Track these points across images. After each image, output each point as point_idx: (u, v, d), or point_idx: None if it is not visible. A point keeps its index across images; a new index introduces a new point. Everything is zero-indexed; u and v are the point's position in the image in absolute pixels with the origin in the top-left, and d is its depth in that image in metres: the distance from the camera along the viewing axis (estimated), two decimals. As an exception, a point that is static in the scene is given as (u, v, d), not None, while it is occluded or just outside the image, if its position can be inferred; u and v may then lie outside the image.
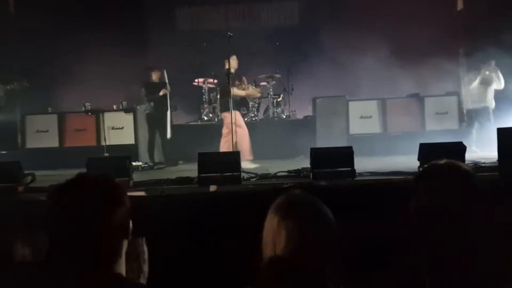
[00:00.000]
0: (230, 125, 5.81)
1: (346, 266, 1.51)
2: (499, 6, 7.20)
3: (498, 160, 3.76)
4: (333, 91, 7.88)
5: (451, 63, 8.91)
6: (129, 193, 1.40)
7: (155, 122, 6.97)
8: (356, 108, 7.74)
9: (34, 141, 7.54)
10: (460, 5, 9.04)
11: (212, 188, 3.72)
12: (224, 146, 6.11)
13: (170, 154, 7.16)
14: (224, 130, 6.22)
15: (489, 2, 7.49)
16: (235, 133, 5.78)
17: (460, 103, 7.53)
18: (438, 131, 7.29)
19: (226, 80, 6.00)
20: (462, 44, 8.90)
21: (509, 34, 6.56)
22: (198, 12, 10.02)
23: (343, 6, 9.05)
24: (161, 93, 6.94)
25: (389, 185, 3.55)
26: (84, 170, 4.14)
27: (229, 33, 6.35)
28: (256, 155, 6.94)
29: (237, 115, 6.13)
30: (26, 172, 4.14)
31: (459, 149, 3.90)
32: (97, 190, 1.26)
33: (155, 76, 7.14)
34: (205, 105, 8.16)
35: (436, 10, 8.57)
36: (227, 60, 6.22)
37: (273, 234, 1.25)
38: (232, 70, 6.39)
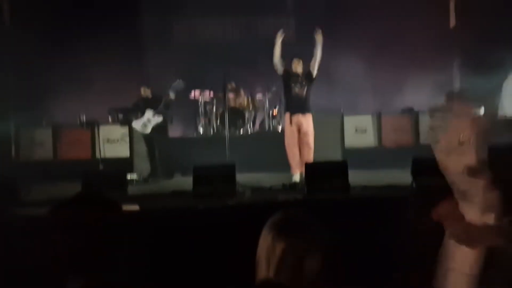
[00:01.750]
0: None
1: (341, 282, 1.52)
2: (491, 23, 7.32)
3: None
4: (329, 105, 7.93)
5: (445, 78, 9.03)
6: (124, 207, 1.42)
7: (155, 136, 6.88)
8: (351, 122, 7.79)
9: (28, 154, 7.50)
10: (452, 22, 9.19)
11: (207, 201, 3.72)
12: None
13: (166, 167, 7.17)
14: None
15: (481, 19, 7.61)
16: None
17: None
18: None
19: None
20: (455, 59, 9.03)
21: (501, 50, 6.66)
22: (196, 25, 10.10)
23: (339, 22, 9.16)
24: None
25: (383, 200, 3.57)
26: (79, 183, 4.15)
27: (225, 46, 6.43)
28: (252, 168, 6.95)
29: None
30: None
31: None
32: (96, 208, 1.28)
33: (146, 92, 7.02)
34: (201, 118, 8.19)
35: (429, 26, 8.71)
36: None
37: (267, 253, 1.25)
38: None
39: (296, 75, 6.02)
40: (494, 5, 7.25)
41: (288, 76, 6.04)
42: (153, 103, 6.88)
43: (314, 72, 6.03)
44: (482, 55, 7.18)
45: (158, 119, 6.79)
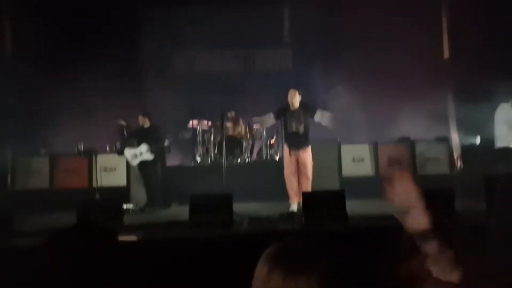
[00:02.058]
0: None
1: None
2: (484, 54, 7.48)
3: (486, 207, 3.80)
4: (326, 134, 7.98)
5: (439, 108, 9.15)
6: (120, 238, 1.41)
7: (150, 167, 6.84)
8: (348, 151, 7.83)
9: (24, 183, 7.46)
10: (446, 54, 9.39)
11: (203, 232, 3.69)
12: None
13: (163, 196, 7.13)
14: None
15: (474, 51, 7.78)
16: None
17: (450, 148, 7.65)
18: (430, 175, 7.37)
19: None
20: (450, 91, 9.17)
21: (495, 81, 6.78)
22: (194, 56, 10.29)
23: (336, 54, 9.36)
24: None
25: (381, 230, 3.55)
26: (75, 212, 4.12)
27: (223, 78, 6.51)
28: (249, 197, 6.92)
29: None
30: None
31: (449, 195, 3.95)
32: (92, 238, 1.28)
33: (144, 121, 6.97)
34: (199, 147, 8.21)
35: (424, 58, 8.89)
36: None
37: (261, 285, 1.24)
38: None
39: (293, 110, 5.88)
40: (486, 37, 7.43)
41: (284, 113, 5.93)
42: (150, 133, 6.87)
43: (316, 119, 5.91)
44: (475, 85, 7.30)
45: (149, 156, 6.72)
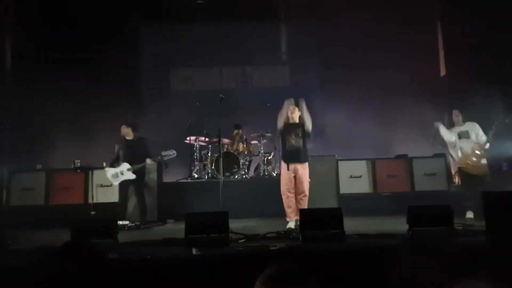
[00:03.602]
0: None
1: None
2: (480, 71, 7.55)
3: (485, 224, 3.76)
4: (323, 151, 7.98)
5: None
6: (114, 256, 1.39)
7: (132, 185, 6.68)
8: (345, 167, 7.80)
9: (19, 199, 7.39)
10: (443, 71, 9.47)
11: (199, 250, 3.63)
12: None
13: (159, 212, 7.07)
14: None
15: (469, 68, 7.86)
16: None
17: (447, 165, 7.64)
18: (428, 192, 7.34)
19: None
20: (446, 108, 9.21)
21: (490, 96, 6.82)
22: (192, 73, 10.35)
23: (333, 73, 9.43)
24: (148, 163, 6.62)
25: (378, 249, 3.50)
26: (69, 230, 4.06)
27: (221, 95, 6.53)
28: (246, 214, 6.87)
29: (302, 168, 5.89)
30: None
31: (447, 212, 3.91)
32: (82, 257, 1.26)
33: (127, 132, 6.77)
34: (196, 163, 8.18)
35: (421, 76, 8.97)
36: None
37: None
38: None
39: (292, 125, 5.93)
40: (482, 53, 7.50)
41: (285, 127, 5.96)
42: (132, 145, 6.68)
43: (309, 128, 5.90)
44: (471, 101, 7.34)
45: (131, 176, 6.58)
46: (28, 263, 1.30)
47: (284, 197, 5.85)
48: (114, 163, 6.73)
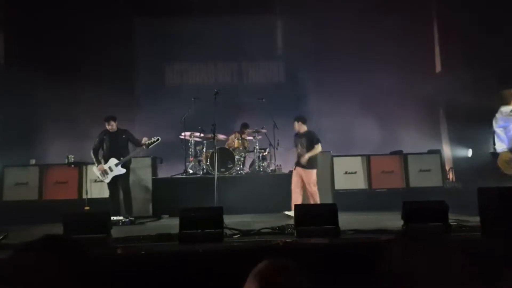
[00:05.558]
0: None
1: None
2: (474, 68, 7.55)
3: (480, 220, 3.76)
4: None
5: (432, 122, 9.19)
6: (107, 251, 1.36)
7: (122, 179, 6.65)
8: (340, 163, 7.80)
9: (12, 194, 7.33)
10: (438, 68, 9.48)
11: (194, 246, 3.61)
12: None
13: (153, 208, 7.04)
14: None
15: (464, 64, 7.86)
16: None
17: (442, 161, 7.66)
18: (422, 188, 7.36)
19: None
20: (442, 103, 9.23)
21: (485, 92, 6.82)
22: (187, 68, 10.29)
23: (328, 69, 9.40)
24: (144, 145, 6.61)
25: (373, 244, 3.50)
26: (62, 225, 4.02)
27: (216, 90, 6.55)
28: (241, 209, 6.86)
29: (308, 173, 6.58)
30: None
31: (442, 207, 3.92)
32: (58, 253, 1.22)
33: (110, 125, 6.66)
34: (191, 158, 8.14)
35: (417, 72, 8.97)
36: None
37: (249, 302, 1.20)
38: None
39: (299, 136, 6.69)
40: (478, 49, 7.49)
41: (295, 136, 6.80)
42: (116, 136, 6.63)
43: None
44: (467, 97, 7.35)
45: (120, 171, 6.56)
46: (2, 259, 1.26)
47: (292, 193, 6.57)
48: (99, 159, 6.64)
